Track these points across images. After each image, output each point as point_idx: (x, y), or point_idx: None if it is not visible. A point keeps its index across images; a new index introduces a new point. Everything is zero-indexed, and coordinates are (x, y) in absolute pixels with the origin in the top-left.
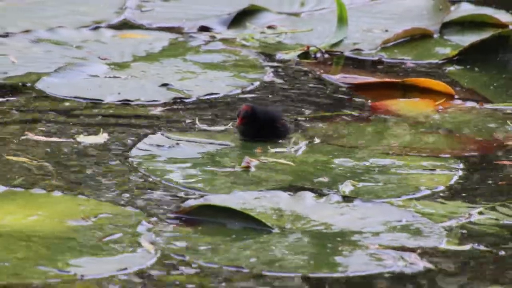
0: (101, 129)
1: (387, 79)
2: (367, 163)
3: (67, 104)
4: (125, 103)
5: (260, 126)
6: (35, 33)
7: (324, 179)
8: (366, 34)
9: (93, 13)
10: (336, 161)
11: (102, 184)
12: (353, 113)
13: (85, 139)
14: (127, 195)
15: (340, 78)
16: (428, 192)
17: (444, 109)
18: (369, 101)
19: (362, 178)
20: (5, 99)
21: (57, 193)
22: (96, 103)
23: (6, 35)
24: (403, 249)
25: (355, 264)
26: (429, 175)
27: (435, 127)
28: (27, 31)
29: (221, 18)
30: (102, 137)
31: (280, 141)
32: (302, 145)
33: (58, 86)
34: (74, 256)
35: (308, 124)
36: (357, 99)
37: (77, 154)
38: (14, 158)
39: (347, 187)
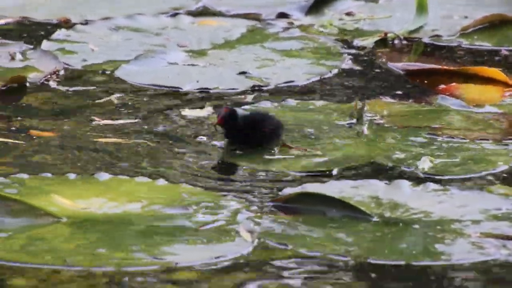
0: (206, 103)
1: (454, 67)
2: (439, 142)
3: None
4: (204, 91)
5: (240, 131)
6: (114, 20)
7: (400, 155)
8: (445, 21)
9: (171, 0)
10: (407, 139)
11: (201, 171)
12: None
13: (190, 112)
14: (226, 182)
15: (409, 65)
16: (506, 167)
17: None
18: (441, 86)
19: (438, 154)
20: (83, 87)
21: (161, 182)
22: (175, 91)
23: (85, 23)
24: (505, 237)
25: (458, 252)
26: (505, 151)
27: (503, 112)
28: (106, 18)
29: (299, 5)
30: (205, 111)
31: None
32: (365, 123)
33: (137, 73)
34: (170, 243)
35: (375, 107)
36: (426, 87)
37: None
38: (112, 140)
39: (425, 163)
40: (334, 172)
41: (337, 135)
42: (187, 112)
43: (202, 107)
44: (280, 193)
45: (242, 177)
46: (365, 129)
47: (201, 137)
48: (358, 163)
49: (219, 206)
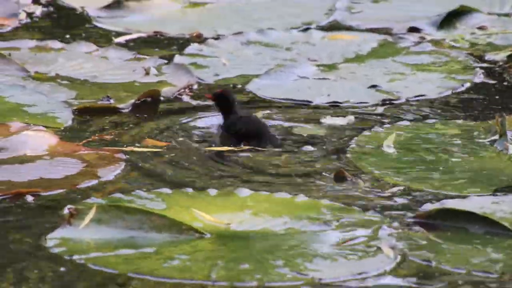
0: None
1: None
2: None
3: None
4: (334, 104)
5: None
6: (245, 35)
7: None
8: None
9: (303, 15)
10: None
11: (340, 188)
12: None
13: (330, 120)
14: (365, 199)
15: None
16: None
17: None
18: None
19: None
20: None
21: (301, 198)
22: (305, 104)
23: (217, 38)
24: None
25: None
26: None
27: None
28: (238, 33)
29: (431, 19)
30: (347, 119)
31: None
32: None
33: (268, 87)
34: (312, 259)
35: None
36: None
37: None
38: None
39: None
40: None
41: (478, 151)
42: (328, 120)
43: (344, 115)
44: (420, 209)
45: (381, 193)
46: (510, 145)
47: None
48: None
49: (360, 222)
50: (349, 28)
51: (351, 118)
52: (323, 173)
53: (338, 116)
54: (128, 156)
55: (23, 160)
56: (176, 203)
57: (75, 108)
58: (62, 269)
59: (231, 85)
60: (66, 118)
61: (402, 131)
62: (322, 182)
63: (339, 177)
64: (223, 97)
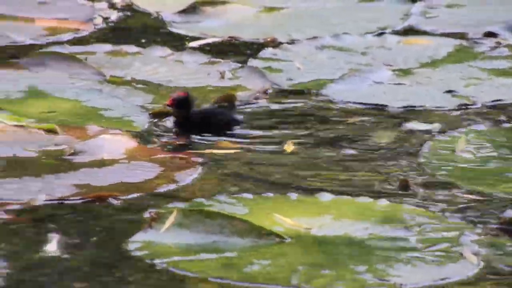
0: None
1: None
2: None
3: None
4: (410, 109)
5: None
6: (320, 40)
7: None
8: None
9: (378, 19)
10: None
11: (423, 193)
12: None
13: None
14: (447, 203)
15: None
16: None
17: None
18: None
19: None
20: (293, 104)
21: (383, 202)
22: (380, 109)
23: (292, 42)
24: None
25: None
26: None
27: None
28: (313, 38)
29: (507, 24)
30: (431, 125)
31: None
32: None
33: (343, 92)
34: (394, 265)
35: None
36: None
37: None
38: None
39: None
40: None
41: None
42: (409, 125)
43: (431, 122)
44: (502, 215)
45: (460, 199)
46: None
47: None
48: None
49: (441, 227)
50: (424, 33)
51: (436, 125)
52: (400, 178)
53: (419, 122)
54: (204, 160)
55: (101, 163)
56: (256, 207)
57: (150, 112)
58: (143, 272)
59: (306, 90)
60: (142, 122)
61: (478, 136)
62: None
63: (404, 186)
64: (182, 101)
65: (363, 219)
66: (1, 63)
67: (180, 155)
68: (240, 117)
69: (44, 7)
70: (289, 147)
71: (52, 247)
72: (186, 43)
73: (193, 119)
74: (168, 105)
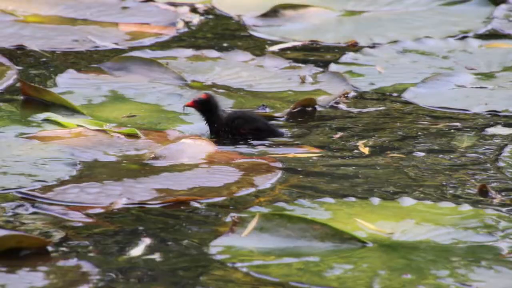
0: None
1: None
2: None
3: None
4: (492, 113)
5: (227, 124)
6: (401, 43)
7: None
8: None
9: (460, 23)
10: None
11: (503, 197)
12: None
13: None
14: None
15: None
16: None
17: None
18: None
19: None
20: (374, 108)
21: (465, 207)
22: (462, 113)
23: (373, 46)
24: None
25: None
26: None
27: None
28: (394, 41)
29: None
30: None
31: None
32: None
33: (425, 96)
34: (476, 270)
35: None
36: None
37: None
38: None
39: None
40: None
41: None
42: (495, 130)
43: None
44: None
45: None
46: None
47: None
48: None
49: None
50: (507, 36)
51: None
52: (479, 183)
53: (501, 126)
54: (284, 164)
55: (181, 168)
56: (338, 212)
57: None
58: (225, 276)
59: (387, 94)
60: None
61: None
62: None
63: (483, 190)
64: (206, 103)
65: (445, 224)
66: (84, 68)
67: (260, 160)
68: (270, 124)
69: (127, 12)
70: (363, 148)
71: (137, 251)
72: (267, 47)
73: (220, 122)
74: (187, 106)
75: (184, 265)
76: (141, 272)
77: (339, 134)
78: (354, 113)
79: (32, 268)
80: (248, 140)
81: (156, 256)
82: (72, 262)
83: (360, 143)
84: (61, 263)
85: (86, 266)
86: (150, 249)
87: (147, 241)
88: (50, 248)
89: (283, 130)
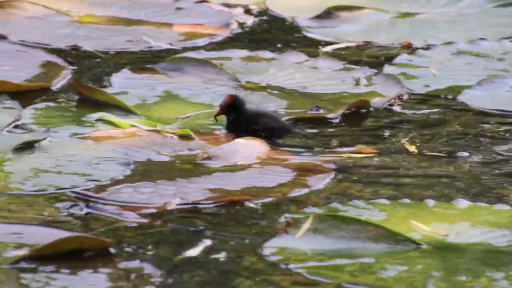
0: None
1: None
2: None
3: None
4: None
5: (242, 121)
6: (455, 45)
7: None
8: None
9: None
10: None
11: None
12: None
13: None
14: None
15: None
16: None
17: None
18: None
19: None
20: (429, 110)
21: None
22: None
23: (427, 48)
24: None
25: None
26: None
27: None
28: (448, 43)
29: None
30: None
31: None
32: None
33: (480, 98)
34: None
35: None
36: None
37: None
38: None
39: None
40: None
41: None
42: None
43: None
44: None
45: None
46: None
47: None
48: None
49: None
50: None
51: None
52: None
53: None
54: (337, 165)
55: (234, 168)
56: (392, 213)
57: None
58: (278, 277)
59: (442, 96)
60: None
61: None
62: None
63: None
64: (232, 104)
65: (500, 227)
66: (139, 68)
67: (313, 160)
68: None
69: (181, 13)
70: (409, 146)
71: (194, 252)
72: (320, 47)
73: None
74: (218, 115)
75: (238, 266)
76: (198, 273)
77: (388, 133)
78: (408, 115)
79: (95, 270)
80: (265, 138)
81: (211, 257)
82: (135, 264)
83: (405, 140)
84: (123, 264)
85: (148, 268)
86: (205, 250)
87: (206, 242)
88: (112, 250)
89: (297, 129)
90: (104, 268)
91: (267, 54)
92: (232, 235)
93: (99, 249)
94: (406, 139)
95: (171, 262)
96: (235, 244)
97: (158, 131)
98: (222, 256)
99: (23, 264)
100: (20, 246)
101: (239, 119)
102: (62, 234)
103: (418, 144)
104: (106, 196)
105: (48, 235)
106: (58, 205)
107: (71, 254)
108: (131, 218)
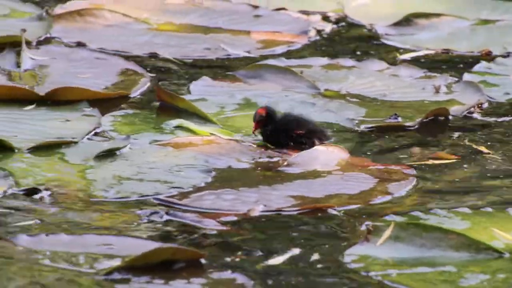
0: None
1: None
2: None
3: None
4: None
5: (277, 130)
6: None
7: None
8: None
9: None
10: None
11: None
12: None
13: None
14: None
15: None
16: None
17: None
18: None
19: None
20: (508, 118)
21: None
22: None
23: (507, 55)
24: None
25: None
26: None
27: None
28: None
29: None
30: None
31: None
32: None
33: None
34: None
35: None
36: None
37: None
38: None
39: None
40: None
41: None
42: None
43: None
44: None
45: None
46: None
47: None
48: None
49: None
50: None
51: None
52: None
53: None
54: (417, 172)
55: (315, 175)
56: (475, 222)
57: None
58: (358, 285)
59: None
60: (353, 135)
61: None
62: None
63: None
64: (266, 117)
65: None
66: (217, 75)
67: (394, 167)
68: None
69: (259, 20)
70: (490, 153)
71: (278, 260)
72: (398, 55)
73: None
74: (256, 130)
75: (319, 273)
76: (283, 280)
77: (467, 140)
78: (488, 123)
79: (187, 281)
80: (301, 143)
81: (294, 265)
82: (226, 274)
83: (485, 148)
84: (215, 275)
85: (240, 279)
86: (290, 258)
87: (294, 250)
88: (203, 261)
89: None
90: (196, 278)
91: (347, 61)
92: (314, 242)
93: (191, 260)
94: (486, 146)
95: (261, 270)
96: (317, 251)
97: (236, 140)
98: (303, 263)
99: (116, 275)
100: (111, 256)
101: (276, 128)
102: (153, 244)
103: (499, 152)
104: (189, 203)
105: (138, 246)
106: (139, 212)
107: (162, 265)
108: (211, 226)
